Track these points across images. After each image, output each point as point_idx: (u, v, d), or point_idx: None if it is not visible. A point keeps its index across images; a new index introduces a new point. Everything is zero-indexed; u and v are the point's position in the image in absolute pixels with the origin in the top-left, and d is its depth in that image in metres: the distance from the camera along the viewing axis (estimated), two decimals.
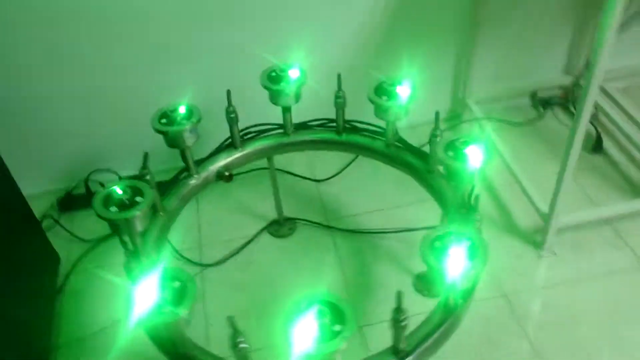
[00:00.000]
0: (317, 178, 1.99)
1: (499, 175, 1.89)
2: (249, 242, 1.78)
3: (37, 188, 1.88)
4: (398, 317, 1.00)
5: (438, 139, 1.31)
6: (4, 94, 1.74)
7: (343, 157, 2.02)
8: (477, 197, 1.19)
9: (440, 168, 1.35)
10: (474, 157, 1.19)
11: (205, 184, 1.49)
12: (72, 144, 1.91)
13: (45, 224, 1.83)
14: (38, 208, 1.82)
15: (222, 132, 1.48)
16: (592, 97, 1.35)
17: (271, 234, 1.81)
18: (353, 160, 2.00)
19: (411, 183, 1.86)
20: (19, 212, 1.57)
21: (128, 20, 1.70)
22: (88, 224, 1.87)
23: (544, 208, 1.63)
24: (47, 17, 1.64)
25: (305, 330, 0.90)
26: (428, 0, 1.86)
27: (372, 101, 1.40)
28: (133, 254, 1.22)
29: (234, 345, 0.97)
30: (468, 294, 1.14)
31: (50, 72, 1.75)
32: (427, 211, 1.73)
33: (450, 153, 1.22)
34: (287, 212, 1.83)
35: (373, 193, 1.92)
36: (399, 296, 0.98)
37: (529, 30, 2.01)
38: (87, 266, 1.76)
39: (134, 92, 1.83)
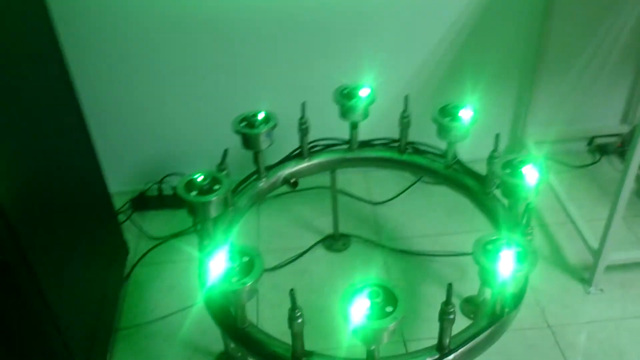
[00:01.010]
0: (374, 200, 2.07)
1: (552, 214, 1.94)
2: (304, 253, 1.87)
3: (115, 187, 2.02)
4: (446, 309, 1.06)
5: (496, 160, 1.38)
6: (101, 100, 1.91)
7: (400, 183, 2.12)
8: (531, 209, 1.25)
9: (497, 192, 1.42)
10: (531, 174, 1.26)
11: (272, 188, 1.60)
12: (150, 148, 2.06)
13: (118, 219, 1.96)
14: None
15: (290, 144, 1.60)
16: None
17: (326, 247, 1.90)
18: (411, 185, 2.09)
19: (463, 213, 1.95)
20: (104, 206, 1.72)
21: (216, 34, 1.86)
22: (157, 223, 2.01)
23: (594, 244, 1.67)
24: (140, 29, 1.82)
25: (360, 308, 0.98)
26: (494, 38, 1.96)
27: (435, 121, 1.49)
28: (204, 236, 1.32)
29: (292, 319, 1.06)
30: (516, 302, 1.18)
31: (139, 79, 1.91)
32: None
33: (508, 170, 1.30)
34: (343, 229, 1.92)
35: (425, 219, 1.99)
36: (449, 289, 1.05)
37: (589, 77, 2.08)
38: (152, 261, 1.88)
39: (212, 101, 1.97)
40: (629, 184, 1.50)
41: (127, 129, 2.00)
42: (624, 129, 2.20)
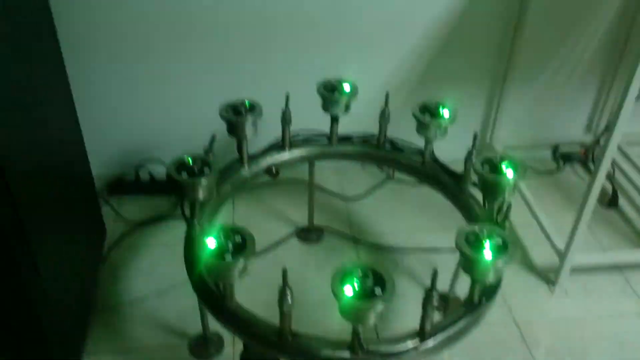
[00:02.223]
0: (348, 197, 2.12)
1: (519, 216, 2.01)
2: (279, 243, 1.90)
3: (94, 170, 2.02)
4: (430, 294, 1.11)
5: (473, 159, 1.44)
6: (87, 81, 1.90)
7: (373, 181, 2.17)
8: (509, 206, 1.32)
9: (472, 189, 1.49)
10: (509, 171, 1.32)
11: (254, 177, 1.62)
12: (130, 133, 2.06)
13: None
14: None
15: (271, 135, 1.64)
16: (610, 154, 1.52)
17: (300, 239, 1.93)
18: (382, 182, 2.16)
19: (434, 212, 2.02)
20: (86, 187, 1.72)
21: (201, 25, 1.87)
22: (133, 208, 2.01)
23: (560, 246, 1.75)
24: (128, 16, 1.83)
25: (350, 287, 1.02)
26: (468, 45, 2.04)
27: (415, 117, 1.54)
28: (192, 217, 1.34)
29: (282, 297, 1.09)
30: (491, 294, 1.24)
31: (125, 65, 1.92)
32: (449, 238, 1.87)
33: (487, 167, 1.36)
34: (317, 222, 1.96)
35: (398, 217, 2.04)
36: (434, 275, 1.10)
37: (555, 88, 2.18)
38: (129, 244, 1.88)
39: (196, 91, 1.99)
40: (597, 190, 1.59)
41: (110, 113, 1.99)
42: (588, 138, 2.31)
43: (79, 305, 1.54)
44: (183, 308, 1.66)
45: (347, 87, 1.63)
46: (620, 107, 1.46)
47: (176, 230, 1.91)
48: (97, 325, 1.62)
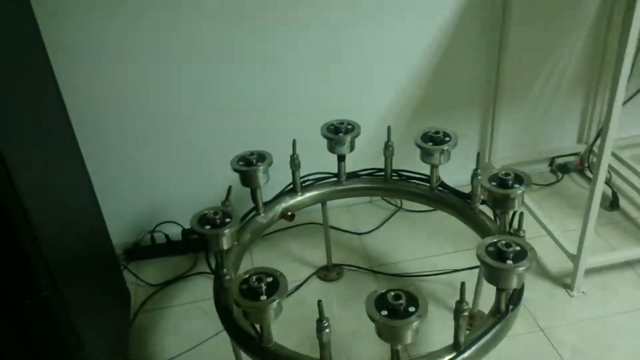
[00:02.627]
0: (360, 231, 2.18)
1: (528, 228, 2.06)
2: (300, 285, 1.94)
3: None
4: (461, 307, 1.16)
5: (479, 177, 1.51)
6: (100, 155, 1.97)
7: (382, 213, 2.24)
8: (521, 215, 1.38)
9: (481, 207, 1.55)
10: (517, 184, 1.39)
11: (270, 222, 1.68)
12: (141, 200, 2.11)
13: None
14: None
15: (279, 181, 1.70)
16: (607, 154, 1.59)
17: (320, 278, 1.98)
18: (392, 215, 2.22)
19: (445, 235, 2.08)
20: (108, 254, 1.78)
21: (203, 75, 1.94)
22: (152, 271, 2.06)
23: (572, 250, 1.80)
24: (136, 77, 1.90)
25: (385, 308, 1.07)
26: (456, 74, 2.13)
27: (418, 146, 1.61)
28: (218, 271, 1.39)
29: (320, 329, 1.13)
30: (517, 301, 1.29)
31: (130, 129, 1.99)
32: (463, 259, 1.93)
33: (494, 183, 1.42)
34: (334, 260, 2.01)
35: (410, 244, 2.10)
36: (463, 288, 1.15)
37: (544, 103, 2.27)
38: (152, 307, 1.92)
39: (202, 149, 2.05)
40: (599, 192, 1.65)
41: (121, 179, 2.05)
42: (581, 147, 2.39)
43: None
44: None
45: (349, 126, 1.71)
46: (609, 113, 1.54)
47: (198, 287, 1.97)
48: None
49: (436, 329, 1.72)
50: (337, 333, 1.74)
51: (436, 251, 2.05)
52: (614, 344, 1.66)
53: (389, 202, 2.31)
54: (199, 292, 1.95)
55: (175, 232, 2.12)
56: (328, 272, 1.99)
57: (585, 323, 1.73)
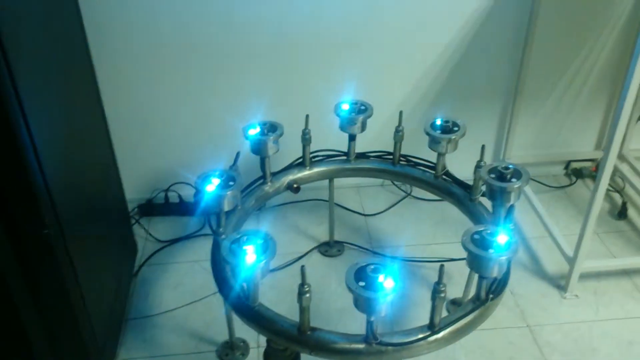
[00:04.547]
0: (366, 213, 2.22)
1: (532, 229, 2.10)
2: (301, 257, 2.00)
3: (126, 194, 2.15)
4: (438, 288, 1.20)
5: (482, 168, 1.53)
6: (121, 113, 2.04)
7: (390, 197, 2.28)
8: (512, 208, 1.41)
9: (482, 199, 1.58)
10: (514, 178, 1.42)
11: (276, 192, 1.74)
12: (158, 158, 2.19)
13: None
14: None
15: (293, 154, 1.75)
16: (612, 160, 1.59)
17: (321, 253, 2.04)
18: (400, 200, 2.26)
19: (449, 225, 2.11)
20: (120, 208, 1.87)
21: (228, 44, 2.00)
22: (162, 228, 2.15)
23: (570, 252, 1.82)
24: (162, 48, 1.98)
25: (364, 280, 1.12)
26: (480, 66, 2.15)
27: (427, 133, 1.64)
28: (218, 232, 1.46)
29: (301, 293, 1.19)
30: (499, 291, 1.32)
31: (155, 93, 2.06)
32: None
33: (493, 175, 1.45)
34: (337, 237, 2.06)
35: (414, 230, 2.14)
36: (441, 270, 1.19)
37: (565, 105, 2.27)
38: (158, 261, 2.00)
39: (220, 114, 2.12)
40: (600, 198, 1.67)
41: (140, 139, 2.13)
42: (598, 154, 2.38)
43: (112, 315, 1.65)
44: (211, 318, 1.77)
45: (362, 107, 1.75)
46: (617, 118, 1.54)
47: (203, 247, 2.05)
48: (129, 334, 1.73)
49: (426, 314, 1.76)
50: (330, 307, 1.82)
51: (440, 239, 2.09)
52: (597, 349, 1.68)
53: (399, 188, 2.34)
54: (204, 252, 2.00)
55: (188, 193, 2.20)
56: (329, 248, 2.05)
57: (572, 325, 1.75)
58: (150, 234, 2.11)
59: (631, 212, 2.19)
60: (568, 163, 2.42)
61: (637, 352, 1.67)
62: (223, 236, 1.44)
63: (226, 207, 1.45)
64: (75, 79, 1.51)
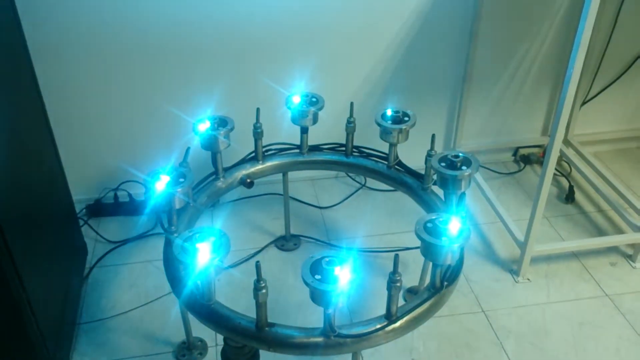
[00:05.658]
0: (321, 205, 2.22)
1: (484, 215, 2.14)
2: (258, 252, 1.99)
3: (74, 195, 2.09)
4: (394, 277, 1.20)
5: (433, 157, 1.55)
6: (65, 114, 1.98)
7: (344, 189, 2.28)
8: (463, 195, 1.43)
9: (434, 188, 1.60)
10: (464, 166, 1.43)
11: (229, 188, 1.71)
12: (106, 157, 2.13)
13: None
14: None
15: (245, 149, 1.73)
16: (557, 149, 1.63)
17: (278, 247, 2.02)
18: (355, 192, 2.27)
19: (403, 215, 2.13)
20: (67, 209, 1.81)
21: (174, 46, 1.97)
22: (112, 228, 2.10)
23: (520, 237, 1.86)
24: (103, 42, 1.93)
25: (319, 272, 1.12)
26: (427, 58, 2.17)
27: (378, 124, 1.65)
28: (169, 230, 1.43)
29: (257, 289, 1.17)
30: (454, 278, 1.34)
31: (100, 92, 2.01)
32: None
33: (443, 164, 1.46)
34: (293, 231, 2.05)
35: (369, 221, 2.15)
36: (396, 260, 1.19)
37: (512, 94, 2.32)
38: (109, 262, 1.95)
39: (168, 111, 2.07)
40: (547, 183, 1.70)
41: (86, 139, 2.08)
42: (544, 140, 2.44)
43: (63, 320, 1.60)
44: (166, 318, 1.74)
45: (313, 99, 1.74)
46: (560, 105, 1.58)
47: (155, 247, 2.01)
48: (82, 339, 1.68)
49: (384, 304, 1.77)
50: (288, 301, 1.81)
51: (395, 229, 2.10)
52: (550, 330, 1.72)
53: (353, 179, 2.35)
54: (157, 252, 1.98)
55: (139, 192, 2.15)
56: (286, 242, 2.04)
57: (526, 309, 1.79)
58: (100, 235, 2.05)
59: (578, 195, 2.25)
60: (516, 150, 2.47)
61: (588, 332, 1.71)
62: (175, 234, 1.42)
63: (177, 205, 1.42)
64: (13, 80, 1.45)
